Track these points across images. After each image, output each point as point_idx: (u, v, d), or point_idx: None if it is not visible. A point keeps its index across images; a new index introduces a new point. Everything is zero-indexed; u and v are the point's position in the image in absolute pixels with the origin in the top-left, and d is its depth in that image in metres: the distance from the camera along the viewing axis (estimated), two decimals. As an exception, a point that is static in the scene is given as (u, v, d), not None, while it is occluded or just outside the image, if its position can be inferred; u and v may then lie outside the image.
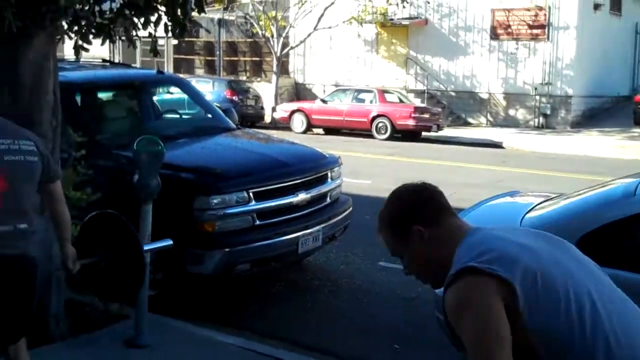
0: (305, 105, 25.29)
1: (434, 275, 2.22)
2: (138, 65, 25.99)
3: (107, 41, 5.02)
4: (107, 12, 4.80)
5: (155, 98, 8.26)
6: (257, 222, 6.27)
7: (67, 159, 5.29)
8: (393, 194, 2.29)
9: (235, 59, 34.30)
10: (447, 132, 23.78)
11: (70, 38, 4.76)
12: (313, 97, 27.89)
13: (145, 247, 4.05)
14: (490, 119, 27.52)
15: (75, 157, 5.44)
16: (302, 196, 6.61)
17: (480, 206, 6.20)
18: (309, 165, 6.96)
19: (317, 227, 6.69)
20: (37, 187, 3.46)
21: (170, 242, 4.62)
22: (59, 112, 4.80)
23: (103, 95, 7.80)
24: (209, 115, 8.29)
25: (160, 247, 4.66)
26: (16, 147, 3.32)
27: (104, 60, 8.77)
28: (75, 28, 4.65)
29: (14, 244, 3.29)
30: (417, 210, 2.21)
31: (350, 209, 7.43)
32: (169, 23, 4.85)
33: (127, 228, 3.90)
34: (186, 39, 29.27)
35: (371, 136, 22.68)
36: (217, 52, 32.59)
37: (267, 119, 26.55)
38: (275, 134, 14.33)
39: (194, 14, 5.11)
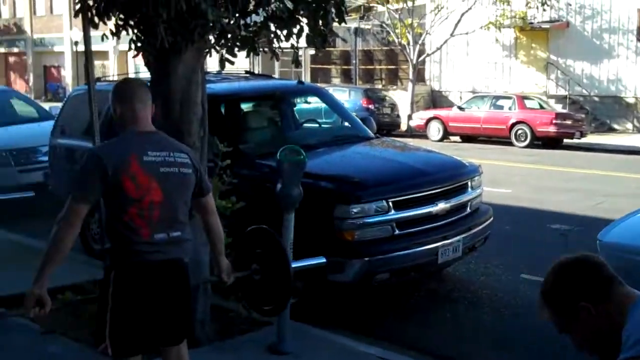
0: (441, 112, 25.01)
1: (604, 350, 2.14)
2: (277, 75, 26.57)
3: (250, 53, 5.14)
4: (252, 25, 4.93)
5: (295, 108, 8.40)
6: (397, 232, 6.25)
7: (213, 168, 5.46)
8: (554, 270, 2.22)
9: (371, 67, 34.41)
10: (591, 139, 22.81)
11: (217, 51, 4.93)
12: (449, 105, 27.54)
13: (297, 264, 4.15)
14: (637, 124, 26.20)
15: (221, 166, 5.60)
16: (441, 206, 6.52)
17: (631, 217, 5.91)
18: (448, 174, 6.86)
19: (457, 238, 6.58)
20: (189, 198, 3.58)
21: (324, 260, 4.68)
22: (206, 123, 4.97)
23: (246, 106, 8.01)
24: (348, 124, 8.35)
25: (313, 264, 4.73)
26: (172, 160, 3.43)
27: (246, 72, 9.02)
28: (222, 42, 4.81)
29: (168, 249, 3.44)
30: (583, 287, 2.14)
31: (491, 219, 7.26)
32: (311, 34, 4.92)
33: (278, 244, 4.06)
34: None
35: (510, 144, 22.11)
36: (353, 61, 32.79)
37: (403, 127, 26.44)
38: (411, 142, 14.25)
39: (334, 24, 5.16)
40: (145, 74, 9.77)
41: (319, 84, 25.01)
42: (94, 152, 3.41)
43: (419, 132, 24.70)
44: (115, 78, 10.19)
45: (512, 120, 22.26)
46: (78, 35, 44.04)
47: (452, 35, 26.85)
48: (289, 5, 4.76)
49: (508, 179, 14.25)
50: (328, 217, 6.03)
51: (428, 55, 28.74)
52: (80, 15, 4.68)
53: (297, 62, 5.04)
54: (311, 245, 5.99)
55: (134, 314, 3.39)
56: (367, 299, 6.86)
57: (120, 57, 43.39)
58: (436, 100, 30.47)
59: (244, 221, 6.19)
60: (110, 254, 3.46)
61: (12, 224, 9.92)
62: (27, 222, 10.35)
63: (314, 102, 9.28)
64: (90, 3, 4.55)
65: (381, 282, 6.41)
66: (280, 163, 4.94)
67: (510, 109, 22.83)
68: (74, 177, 3.38)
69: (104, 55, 40.78)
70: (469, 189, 6.93)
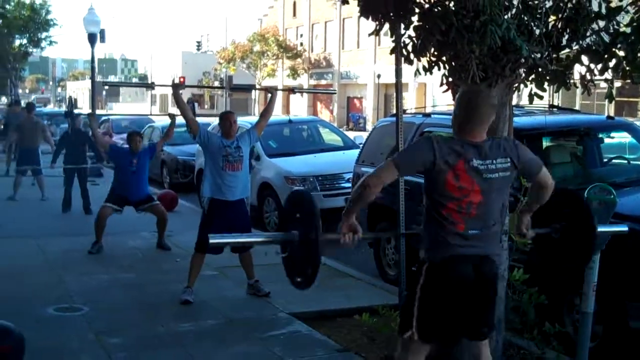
0: None
1: None
2: (578, 107, 25.56)
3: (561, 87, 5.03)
4: (564, 59, 4.82)
5: (601, 144, 8.02)
6: None
7: (514, 203, 5.40)
8: None
9: (685, 101, 31.76)
10: None
11: (526, 86, 4.89)
12: None
13: (600, 229, 4.15)
14: None
15: (522, 201, 5.51)
16: None
17: None
18: None
19: None
20: (507, 198, 3.86)
21: (626, 228, 4.68)
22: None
23: (549, 141, 7.81)
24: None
25: (616, 231, 4.64)
26: (493, 167, 3.67)
27: (551, 106, 8.79)
28: (532, 76, 4.76)
29: (481, 245, 3.68)
30: None
31: None
32: (628, 68, 4.68)
33: (585, 207, 4.19)
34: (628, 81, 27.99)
35: None
36: (664, 94, 30.51)
37: None
38: None
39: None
40: (441, 107, 9.97)
41: (623, 118, 23.64)
42: (430, 137, 3.69)
43: None
44: (414, 110, 10.51)
45: None
46: (381, 68, 46.12)
47: None
48: (606, 38, 4.59)
49: None
50: (634, 260, 5.66)
51: None
52: (394, 53, 4.93)
53: (611, 97, 4.83)
54: (615, 287, 5.67)
55: (442, 304, 3.62)
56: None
57: (419, 89, 44.68)
58: None
59: (542, 257, 6.07)
60: (425, 249, 3.72)
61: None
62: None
63: (617, 137, 8.78)
64: (407, 41, 4.76)
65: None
66: (588, 201, 4.75)
67: None
68: (405, 148, 3.69)
69: (404, 87, 42.29)
70: None
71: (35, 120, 15.35)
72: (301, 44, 58.98)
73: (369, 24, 5.03)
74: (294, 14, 61.10)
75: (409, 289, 3.78)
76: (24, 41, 48.28)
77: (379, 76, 47.31)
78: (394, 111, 6.72)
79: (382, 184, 3.65)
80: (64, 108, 40.38)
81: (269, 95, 8.06)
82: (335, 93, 40.25)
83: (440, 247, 3.62)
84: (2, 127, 18.67)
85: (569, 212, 4.22)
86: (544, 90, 4.84)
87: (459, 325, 3.68)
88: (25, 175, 15.16)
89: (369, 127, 44.09)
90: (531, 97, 4.90)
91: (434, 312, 3.62)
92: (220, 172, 7.35)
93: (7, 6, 45.75)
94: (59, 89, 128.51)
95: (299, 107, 57.43)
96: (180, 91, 7.64)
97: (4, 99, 52.93)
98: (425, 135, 3.77)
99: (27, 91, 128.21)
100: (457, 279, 3.59)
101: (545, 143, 7.69)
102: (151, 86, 8.90)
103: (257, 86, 54.55)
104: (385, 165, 3.65)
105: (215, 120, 11.74)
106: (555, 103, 25.00)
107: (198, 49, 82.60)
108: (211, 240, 3.80)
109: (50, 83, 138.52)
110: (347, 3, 5.21)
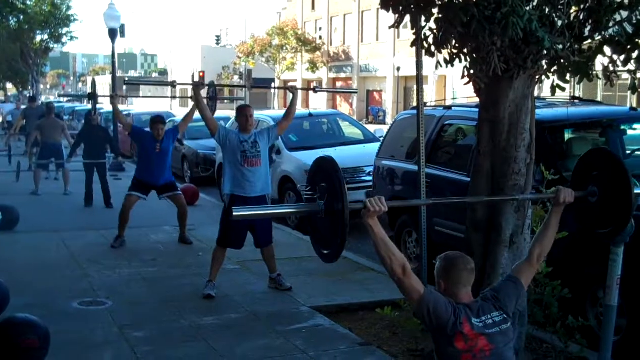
0: None
1: None
2: (599, 99, 25.35)
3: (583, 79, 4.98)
4: (586, 51, 4.78)
5: (624, 136, 7.94)
6: None
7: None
8: None
9: None
10: None
11: (548, 78, 4.86)
12: None
13: (637, 190, 4.06)
14: None
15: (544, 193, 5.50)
16: None
17: None
18: None
19: None
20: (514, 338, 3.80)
21: None
22: (533, 150, 4.91)
23: (571, 133, 7.76)
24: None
25: None
26: (491, 322, 3.66)
27: (573, 98, 8.74)
28: (554, 68, 4.73)
29: None
30: None
31: None
32: (650, 59, 4.63)
33: (621, 167, 3.98)
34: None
35: None
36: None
37: None
38: None
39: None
40: (461, 99, 9.92)
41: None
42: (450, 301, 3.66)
43: None
44: (434, 103, 10.47)
45: None
46: (400, 61, 45.97)
47: None
48: (629, 28, 4.54)
49: None
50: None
51: None
52: (415, 45, 4.91)
53: (634, 89, 4.77)
54: (639, 280, 5.63)
55: None
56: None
57: (438, 82, 44.51)
58: None
59: (565, 252, 6.03)
60: None
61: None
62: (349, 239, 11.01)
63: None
64: (428, 33, 4.75)
65: None
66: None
67: None
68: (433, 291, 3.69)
69: (424, 80, 41.99)
70: None
71: (55, 120, 15.40)
72: (320, 37, 58.94)
73: (389, 17, 5.01)
74: (313, 7, 61.06)
75: None
76: (45, 37, 48.64)
77: (398, 69, 47.17)
78: (414, 104, 6.71)
79: (400, 266, 3.51)
80: (85, 104, 40.70)
81: (291, 94, 7.90)
82: (357, 92, 39.97)
83: None
84: (24, 122, 18.91)
85: (605, 173, 4.07)
86: (566, 82, 4.80)
87: None
88: (47, 170, 15.25)
89: (389, 120, 44.00)
90: (553, 89, 4.85)
91: None
92: (239, 167, 7.34)
93: (29, 2, 46.06)
94: (80, 84, 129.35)
95: (319, 101, 57.40)
96: (202, 90, 7.67)
97: (26, 93, 53.28)
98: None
99: (48, 87, 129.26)
100: None
101: (568, 135, 7.65)
102: (172, 85, 8.91)
103: (278, 85, 54.93)
104: (409, 274, 3.55)
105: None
106: (577, 95, 24.81)
107: (217, 44, 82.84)
108: (235, 213, 3.51)
109: (71, 78, 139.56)
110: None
